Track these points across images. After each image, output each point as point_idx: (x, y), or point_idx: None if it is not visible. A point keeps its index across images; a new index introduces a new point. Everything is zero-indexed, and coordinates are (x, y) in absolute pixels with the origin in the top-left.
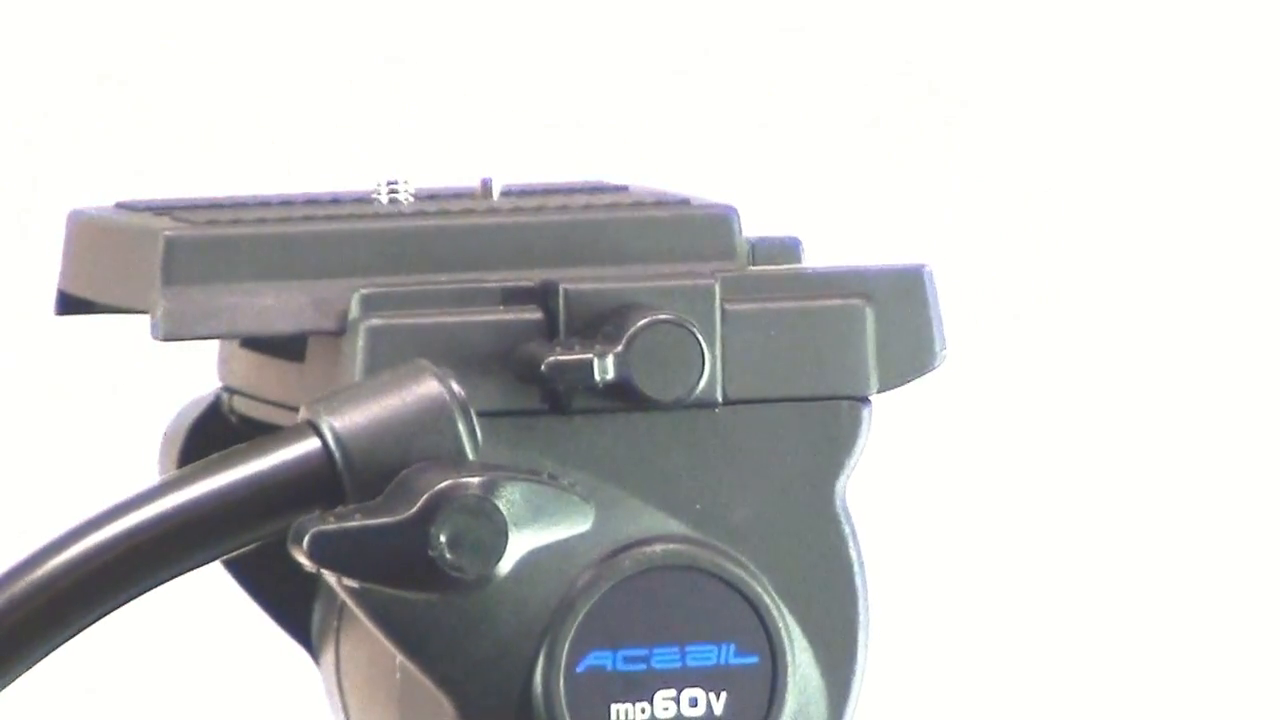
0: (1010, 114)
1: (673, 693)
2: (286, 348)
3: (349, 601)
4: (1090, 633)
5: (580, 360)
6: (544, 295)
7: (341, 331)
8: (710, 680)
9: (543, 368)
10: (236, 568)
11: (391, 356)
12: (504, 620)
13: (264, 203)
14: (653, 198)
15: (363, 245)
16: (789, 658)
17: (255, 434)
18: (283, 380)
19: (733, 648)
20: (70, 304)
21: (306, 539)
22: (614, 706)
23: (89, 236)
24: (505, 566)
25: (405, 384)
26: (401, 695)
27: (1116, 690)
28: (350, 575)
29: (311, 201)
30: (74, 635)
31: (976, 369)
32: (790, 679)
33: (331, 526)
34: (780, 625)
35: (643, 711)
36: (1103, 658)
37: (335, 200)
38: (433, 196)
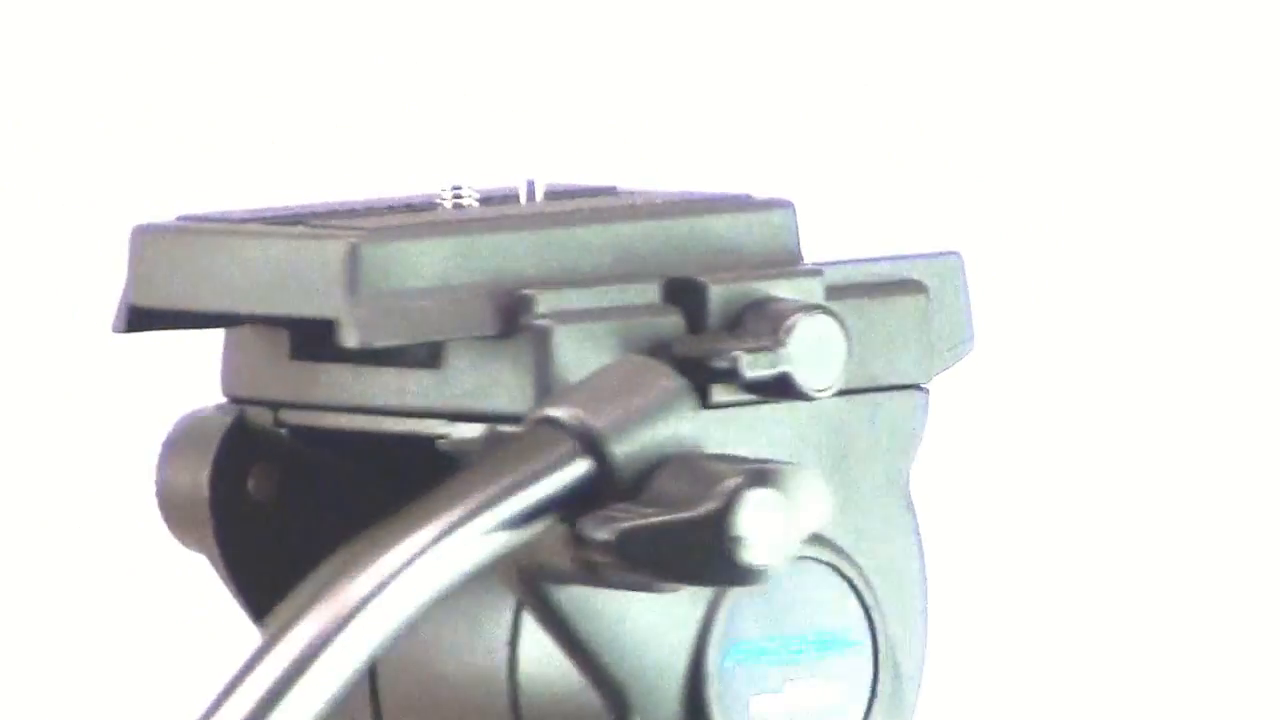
0: (1006, 112)
1: (800, 682)
2: (394, 356)
3: (529, 599)
4: (1099, 630)
5: (755, 355)
6: (683, 293)
7: (509, 334)
8: (829, 668)
9: (722, 363)
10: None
11: (569, 358)
12: (669, 616)
13: (333, 211)
14: (704, 195)
15: (522, 249)
16: (885, 643)
17: (330, 447)
18: (406, 387)
19: (846, 635)
20: (142, 319)
21: (615, 535)
22: (753, 699)
23: (193, 248)
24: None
25: (647, 379)
26: (512, 700)
27: (1121, 689)
28: (649, 570)
29: (390, 208)
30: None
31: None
32: (886, 664)
33: (638, 523)
34: (879, 613)
35: (777, 702)
36: (1111, 655)
37: (407, 205)
38: (488, 199)
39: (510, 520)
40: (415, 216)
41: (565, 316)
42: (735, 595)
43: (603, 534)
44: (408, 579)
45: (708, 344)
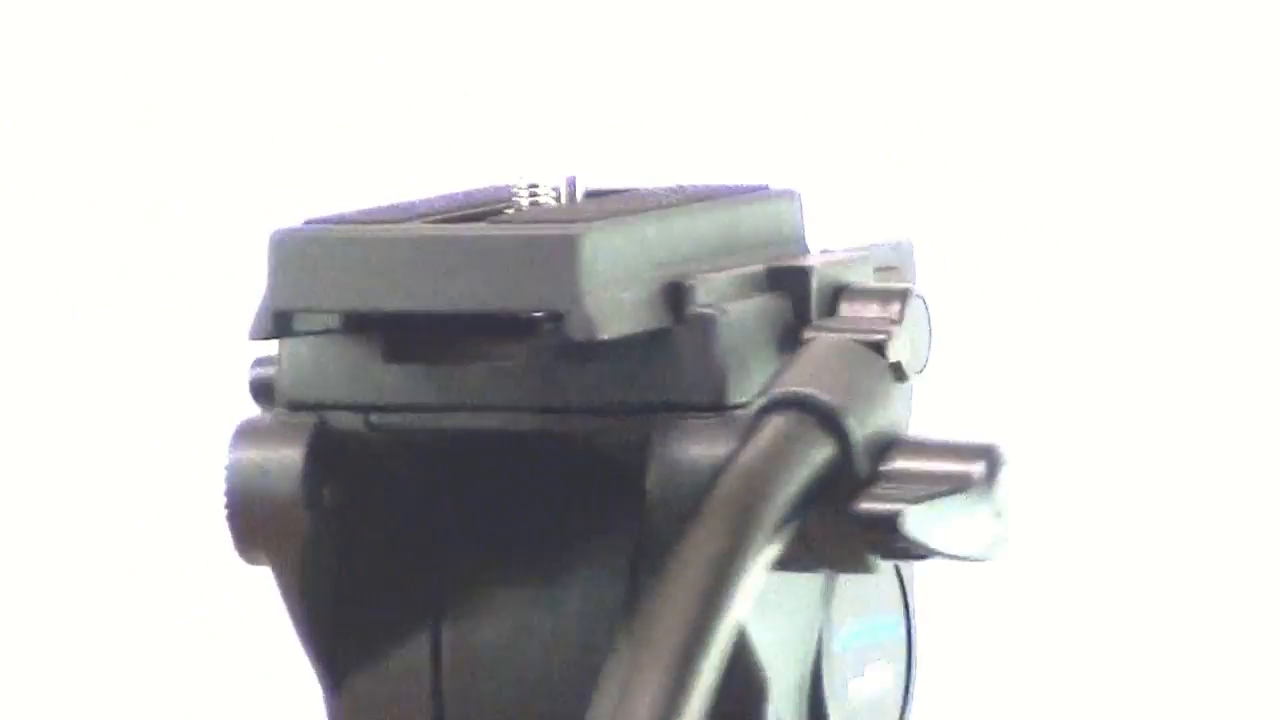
0: (978, 111)
1: (873, 665)
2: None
3: None
4: (1084, 632)
5: (893, 340)
6: (786, 278)
7: (675, 324)
8: (886, 651)
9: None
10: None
11: (731, 345)
12: (800, 601)
13: (414, 209)
14: (736, 186)
15: (672, 238)
16: (911, 625)
17: (430, 450)
18: (539, 383)
19: (894, 618)
20: (288, 324)
21: (899, 514)
22: (850, 683)
23: (354, 250)
24: None
25: (861, 362)
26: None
27: (1115, 689)
28: (915, 550)
29: (494, 200)
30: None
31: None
32: (913, 645)
33: (920, 505)
34: (908, 596)
35: (861, 686)
36: (1097, 657)
37: (485, 200)
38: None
39: (794, 511)
40: (590, 208)
41: (720, 304)
42: (839, 581)
43: (887, 511)
44: (733, 598)
45: (849, 328)
